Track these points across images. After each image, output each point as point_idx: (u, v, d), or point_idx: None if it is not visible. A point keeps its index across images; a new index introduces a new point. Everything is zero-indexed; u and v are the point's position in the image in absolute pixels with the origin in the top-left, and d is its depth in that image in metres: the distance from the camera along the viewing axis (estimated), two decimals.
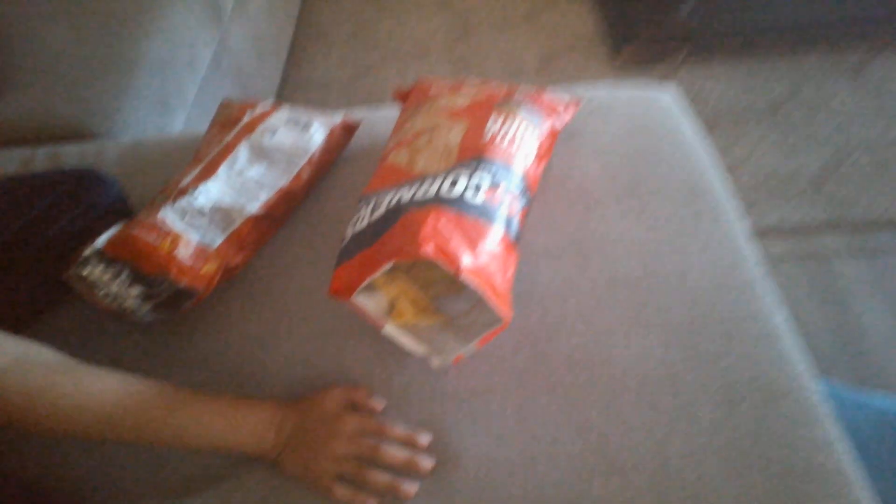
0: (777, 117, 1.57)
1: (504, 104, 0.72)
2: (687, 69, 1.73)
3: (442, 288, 0.67)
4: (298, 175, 0.74)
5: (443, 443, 0.58)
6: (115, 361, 0.66)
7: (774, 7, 1.81)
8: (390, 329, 0.61)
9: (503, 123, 0.69)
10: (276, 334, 0.68)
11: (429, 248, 0.53)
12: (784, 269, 1.27)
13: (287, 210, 0.74)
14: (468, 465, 0.57)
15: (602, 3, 1.92)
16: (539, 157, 0.71)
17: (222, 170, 0.70)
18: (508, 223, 0.60)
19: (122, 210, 0.77)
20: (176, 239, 0.62)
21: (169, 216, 0.64)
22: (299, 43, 1.96)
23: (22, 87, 1.00)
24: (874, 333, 1.17)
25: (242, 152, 0.73)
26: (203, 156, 0.74)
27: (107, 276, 0.62)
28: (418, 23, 2.00)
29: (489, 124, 0.68)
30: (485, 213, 0.58)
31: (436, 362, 0.61)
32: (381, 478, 0.55)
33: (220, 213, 0.67)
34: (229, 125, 0.77)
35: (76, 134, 0.94)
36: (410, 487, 0.55)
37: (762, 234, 1.33)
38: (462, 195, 0.59)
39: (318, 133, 0.77)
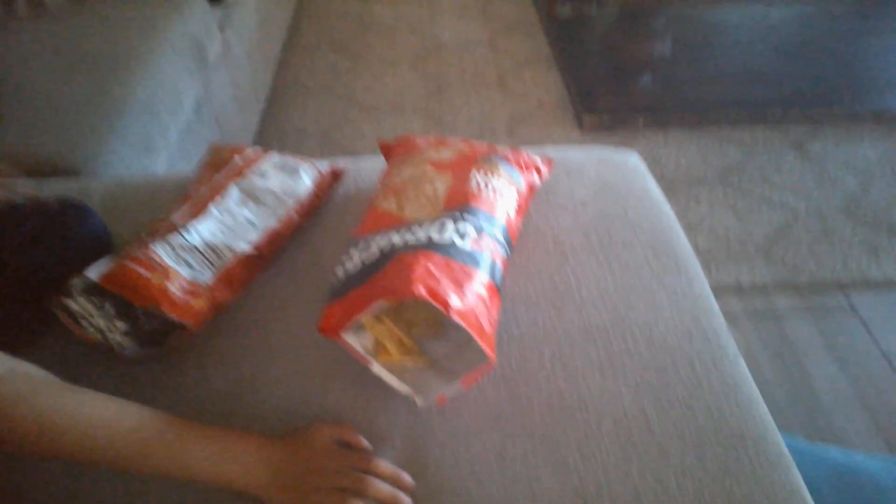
0: (728, 184, 1.68)
1: (486, 160, 0.77)
2: (645, 136, 1.84)
3: (425, 330, 0.69)
4: (287, 217, 0.76)
5: (425, 482, 0.59)
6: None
7: (723, 85, 1.96)
8: (377, 368, 0.63)
9: (486, 177, 0.73)
10: (261, 372, 0.68)
11: (420, 289, 0.56)
12: (738, 326, 1.34)
13: (275, 250, 0.76)
14: None
15: (567, 73, 2.04)
16: (518, 210, 0.75)
17: (213, 209, 0.72)
18: (492, 269, 0.63)
19: (105, 243, 0.77)
20: (167, 273, 0.63)
21: (161, 251, 0.65)
22: (277, 93, 2.01)
23: (8, 122, 1.00)
24: (825, 390, 1.23)
25: (233, 193, 0.75)
26: (193, 195, 0.76)
27: (92, 308, 0.62)
28: (393, 80, 2.08)
29: (473, 177, 0.72)
30: (471, 259, 0.62)
31: (420, 402, 0.63)
32: None
33: (210, 251, 0.68)
34: (219, 167, 0.79)
35: (60, 171, 0.95)
36: None
37: (717, 292, 1.39)
38: (450, 241, 0.62)
39: (306, 178, 0.80)
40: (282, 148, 1.72)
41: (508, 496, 0.58)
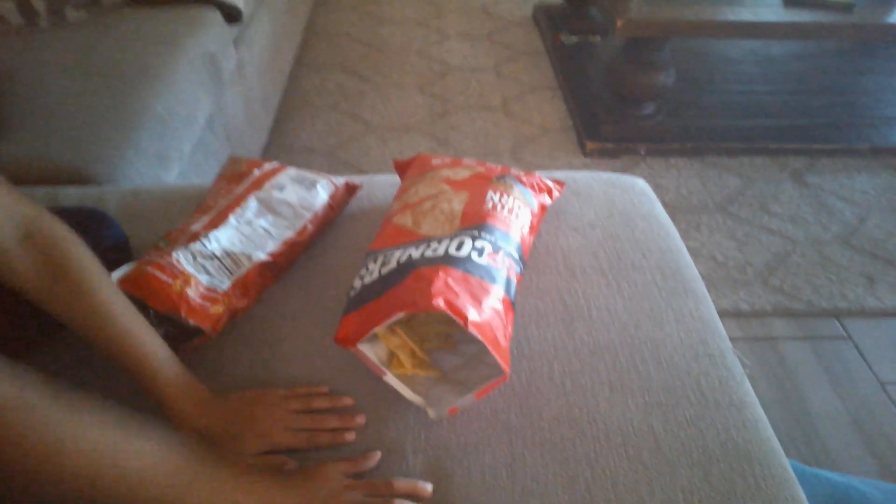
0: (728, 212, 1.71)
1: (501, 180, 0.79)
2: (647, 164, 1.88)
3: (436, 343, 0.70)
4: (304, 228, 0.78)
5: (436, 494, 0.60)
6: (108, 399, 0.67)
7: (723, 116, 2.01)
8: (390, 378, 0.64)
9: (501, 197, 0.75)
10: (273, 380, 0.69)
11: (440, 302, 0.57)
12: (737, 350, 1.35)
13: (290, 259, 0.78)
14: None
15: (571, 100, 2.08)
16: (531, 229, 0.77)
17: (232, 219, 0.74)
18: (508, 285, 0.65)
19: (123, 250, 0.79)
20: (187, 279, 0.65)
21: (181, 258, 0.67)
22: (286, 110, 2.04)
23: (26, 130, 1.02)
24: (821, 415, 1.25)
25: (252, 205, 0.77)
26: (211, 205, 0.78)
27: None
28: (399, 100, 2.12)
29: (489, 196, 0.75)
30: (488, 274, 0.63)
31: (432, 414, 0.64)
32: None
33: (229, 259, 0.70)
34: (237, 179, 0.81)
35: (76, 180, 0.96)
36: None
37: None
38: (468, 256, 0.64)
39: (323, 191, 0.82)
40: (289, 162, 1.74)
41: None
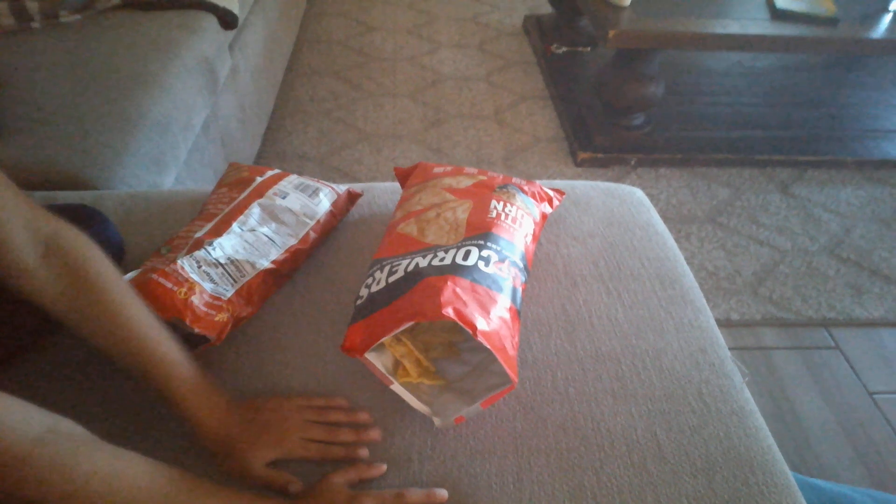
0: (718, 222, 1.74)
1: (503, 189, 0.79)
2: (637, 174, 1.90)
3: (440, 352, 0.71)
4: (306, 236, 0.78)
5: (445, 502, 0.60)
6: (106, 404, 0.66)
7: (712, 128, 2.04)
8: (397, 387, 0.64)
9: (504, 205, 0.76)
10: (276, 389, 0.69)
11: (449, 311, 0.58)
12: (735, 358, 1.37)
13: (294, 266, 0.78)
14: None
15: (562, 110, 2.10)
16: (534, 237, 0.78)
17: (236, 226, 0.73)
18: (514, 294, 0.66)
19: (118, 252, 0.78)
20: (192, 286, 0.65)
21: (186, 265, 0.66)
22: (279, 116, 2.03)
23: (21, 133, 1.01)
24: (811, 424, 1.26)
25: (255, 212, 0.76)
26: (213, 212, 0.77)
27: None
28: (392, 109, 2.12)
29: (492, 205, 0.75)
30: (495, 284, 0.64)
31: (438, 423, 0.64)
32: None
33: (233, 266, 0.70)
34: (239, 186, 0.81)
35: (73, 184, 0.95)
36: None
37: None
38: (475, 266, 0.64)
39: (325, 199, 0.82)
40: (282, 169, 1.74)
41: None
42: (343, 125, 2.03)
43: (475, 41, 2.54)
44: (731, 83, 2.26)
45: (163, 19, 1.34)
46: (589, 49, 2.41)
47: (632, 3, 1.74)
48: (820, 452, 1.22)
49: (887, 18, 1.78)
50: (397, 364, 0.67)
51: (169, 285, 0.65)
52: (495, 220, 0.72)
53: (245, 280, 0.71)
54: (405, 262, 0.66)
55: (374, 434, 0.64)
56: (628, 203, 0.95)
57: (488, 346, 0.58)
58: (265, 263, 0.73)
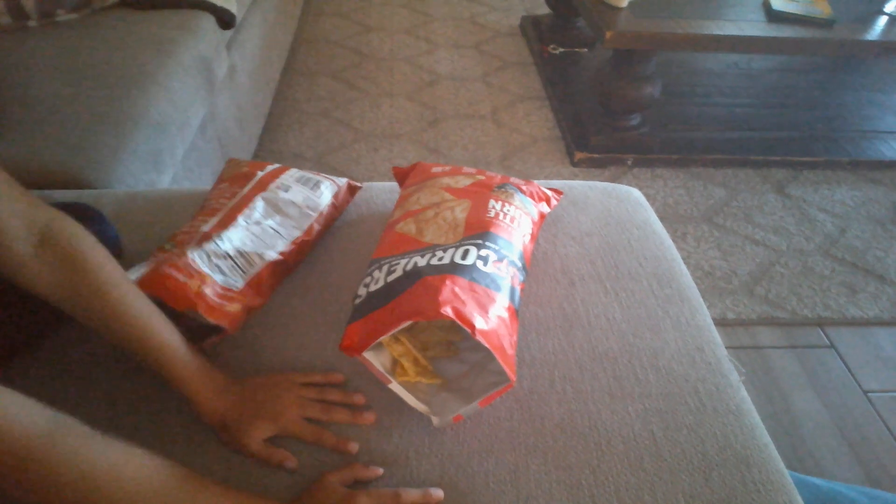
0: (713, 222, 1.74)
1: (501, 189, 0.80)
2: (633, 174, 1.90)
3: (438, 351, 0.71)
4: (311, 228, 0.79)
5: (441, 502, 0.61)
6: (107, 401, 0.66)
7: (708, 128, 2.05)
8: (395, 386, 0.64)
9: (503, 205, 0.76)
10: None
11: (448, 310, 0.58)
12: (731, 356, 1.37)
13: (299, 258, 0.79)
14: None
15: (559, 110, 2.10)
16: (532, 237, 0.78)
17: (241, 219, 0.74)
18: (512, 293, 0.66)
19: (115, 250, 0.78)
20: (203, 278, 0.65)
21: (196, 258, 0.67)
22: (275, 115, 2.03)
23: (20, 134, 1.01)
24: (807, 423, 1.27)
25: (259, 205, 0.77)
26: (215, 207, 0.77)
27: None
28: (390, 108, 2.13)
29: (490, 204, 0.75)
30: (493, 283, 0.64)
31: (436, 422, 0.64)
32: None
33: (242, 258, 0.71)
34: (241, 181, 0.81)
35: (71, 183, 0.95)
36: None
37: None
38: (474, 265, 0.64)
39: (327, 191, 0.83)
40: None
41: None
42: (340, 125, 2.03)
43: (472, 41, 2.55)
44: (727, 84, 2.27)
45: (160, 18, 1.34)
46: (586, 50, 2.42)
47: (629, 4, 1.75)
48: (815, 450, 1.23)
49: (882, 20, 1.79)
50: (395, 363, 0.67)
51: (181, 278, 0.65)
52: (494, 220, 0.72)
53: (254, 271, 0.72)
54: (404, 262, 0.66)
55: (369, 417, 0.65)
56: (626, 203, 0.96)
57: (487, 345, 0.58)
58: (273, 255, 0.74)
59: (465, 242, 0.68)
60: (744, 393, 0.71)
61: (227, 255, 0.70)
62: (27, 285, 0.56)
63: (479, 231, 0.70)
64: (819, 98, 2.24)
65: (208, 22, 1.40)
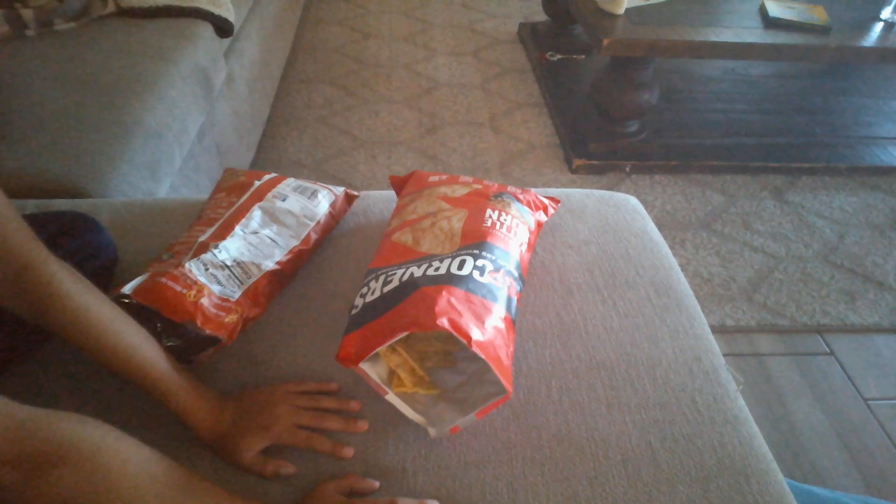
0: (712, 229, 1.74)
1: (498, 198, 0.80)
2: (632, 180, 1.90)
3: (436, 361, 0.70)
4: (308, 237, 0.79)
5: None
6: (106, 404, 0.66)
7: (706, 134, 2.05)
8: (392, 397, 0.64)
9: (499, 214, 0.76)
10: None
11: (444, 321, 0.58)
12: (729, 365, 1.37)
13: (297, 267, 0.79)
14: None
15: (557, 117, 2.11)
16: (529, 246, 0.78)
17: (238, 229, 0.74)
18: (509, 303, 0.66)
19: (112, 258, 0.78)
20: (200, 289, 0.65)
21: (193, 268, 0.67)
22: (274, 123, 2.03)
23: (17, 142, 1.01)
24: (807, 431, 1.27)
25: (256, 214, 0.77)
26: (213, 217, 0.77)
27: None
28: (388, 115, 2.13)
29: (487, 213, 0.75)
30: (490, 293, 0.64)
31: (433, 432, 0.64)
32: None
33: (239, 268, 0.71)
34: (238, 190, 0.81)
35: (68, 192, 0.95)
36: None
37: None
38: (470, 276, 0.64)
39: (324, 200, 0.83)
40: None
41: None
42: (338, 132, 2.03)
43: (471, 48, 2.55)
44: (724, 90, 2.27)
45: (158, 27, 1.35)
46: (583, 57, 2.42)
47: (626, 11, 1.75)
48: (815, 458, 1.22)
49: (878, 27, 1.80)
50: (392, 374, 0.67)
51: (178, 288, 0.65)
52: (490, 229, 0.72)
53: (251, 281, 0.72)
54: (400, 272, 0.66)
55: (362, 424, 0.66)
56: (623, 211, 0.96)
57: (483, 357, 0.58)
58: (270, 265, 0.74)
59: (462, 252, 0.68)
60: (741, 403, 0.71)
61: (225, 266, 0.70)
62: (4, 306, 0.56)
63: (475, 241, 0.70)
64: (817, 104, 2.24)
65: (206, 30, 1.40)
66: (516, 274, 0.70)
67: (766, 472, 0.64)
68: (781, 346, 1.43)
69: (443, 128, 2.09)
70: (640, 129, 1.97)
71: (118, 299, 0.63)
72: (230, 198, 0.79)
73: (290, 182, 0.83)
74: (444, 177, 0.85)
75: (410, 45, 2.55)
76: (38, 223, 0.73)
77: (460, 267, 0.65)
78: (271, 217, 0.77)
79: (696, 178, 1.92)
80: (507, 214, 0.76)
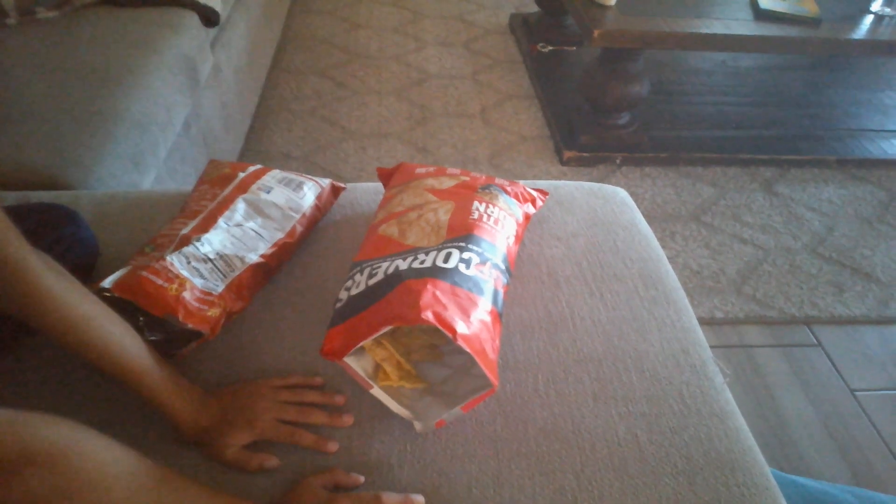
0: (702, 221, 1.74)
1: (485, 190, 0.79)
2: (622, 173, 1.90)
3: (422, 355, 0.70)
4: (293, 230, 0.78)
5: None
6: (89, 398, 0.65)
7: (697, 127, 2.05)
8: (377, 391, 0.63)
9: (487, 207, 0.75)
10: None
11: (429, 315, 0.57)
12: (717, 358, 1.37)
13: (281, 260, 0.78)
14: None
15: (548, 109, 2.10)
16: (516, 239, 0.77)
17: (222, 222, 0.73)
18: (495, 297, 0.65)
19: (93, 251, 0.77)
20: (182, 282, 0.64)
21: (175, 261, 0.66)
22: (262, 114, 2.01)
23: None
24: (794, 422, 1.27)
25: (240, 207, 0.76)
26: (196, 209, 0.76)
27: None
28: (378, 107, 2.11)
29: (474, 206, 0.74)
30: (476, 286, 0.63)
31: (419, 426, 0.64)
32: None
33: (222, 261, 0.70)
34: (222, 182, 0.80)
35: (50, 184, 0.93)
36: None
37: None
38: (456, 268, 0.63)
39: (310, 193, 0.82)
40: None
41: None
42: (328, 124, 2.02)
43: (461, 39, 2.54)
44: (715, 83, 2.27)
45: (142, 16, 1.33)
46: (574, 48, 2.41)
47: (617, 2, 1.74)
48: (802, 449, 1.23)
49: (868, 19, 1.80)
50: (378, 368, 0.66)
51: (159, 282, 0.64)
52: (477, 222, 0.72)
53: (235, 275, 0.71)
54: (385, 265, 0.65)
55: (347, 419, 0.65)
56: (612, 203, 0.95)
57: (468, 350, 0.57)
58: (254, 258, 0.73)
59: (448, 245, 0.67)
60: (728, 395, 0.71)
61: (207, 259, 0.69)
62: None
63: (461, 233, 0.69)
64: (807, 96, 2.25)
65: (191, 20, 1.38)
66: (503, 267, 0.70)
67: (752, 464, 0.64)
68: (770, 338, 1.44)
69: (433, 119, 2.07)
70: (631, 122, 1.96)
71: (99, 293, 0.62)
72: (214, 190, 0.78)
73: (276, 174, 0.82)
74: (431, 169, 0.84)
75: (400, 36, 2.53)
76: (18, 215, 0.72)
77: (446, 260, 0.64)
78: (256, 209, 0.76)
79: (687, 170, 1.92)
80: (494, 207, 0.76)
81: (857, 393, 1.33)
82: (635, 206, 0.96)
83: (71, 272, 0.60)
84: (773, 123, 2.08)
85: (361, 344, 0.60)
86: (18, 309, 0.55)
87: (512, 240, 0.75)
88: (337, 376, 0.69)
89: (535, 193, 0.85)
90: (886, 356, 1.41)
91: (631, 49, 1.77)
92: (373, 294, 0.62)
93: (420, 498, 0.59)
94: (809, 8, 1.76)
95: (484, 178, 0.82)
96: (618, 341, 0.74)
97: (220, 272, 0.69)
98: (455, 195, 0.77)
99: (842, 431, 1.26)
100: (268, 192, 0.78)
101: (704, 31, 1.69)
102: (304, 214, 0.80)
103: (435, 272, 0.62)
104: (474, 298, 0.62)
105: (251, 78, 1.86)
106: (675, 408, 0.68)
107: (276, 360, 0.71)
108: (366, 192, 0.95)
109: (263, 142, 1.91)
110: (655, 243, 0.89)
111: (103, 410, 0.65)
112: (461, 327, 0.58)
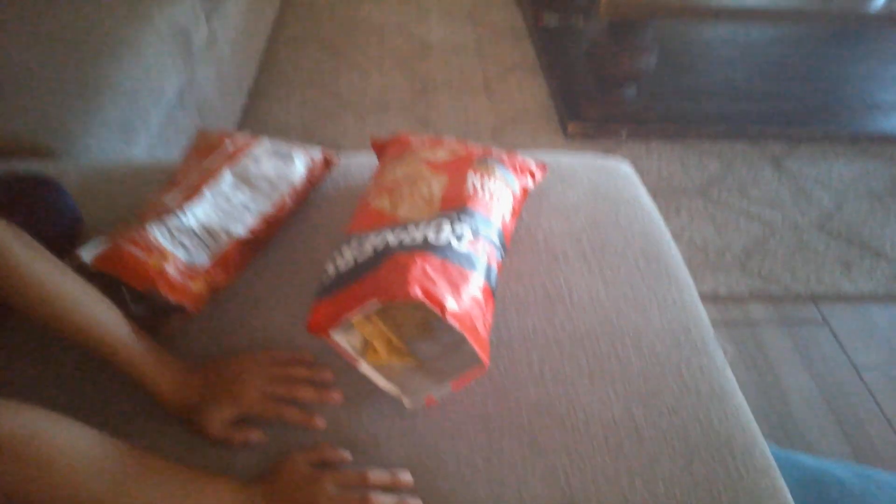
0: (708, 196, 1.71)
1: (482, 162, 0.76)
2: (628, 146, 1.86)
3: (413, 331, 0.68)
4: (282, 202, 0.75)
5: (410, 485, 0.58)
6: (65, 379, 0.64)
7: (704, 100, 2.00)
8: (365, 367, 0.62)
9: (482, 179, 0.72)
10: None
11: (416, 290, 0.55)
12: (715, 334, 1.35)
13: (270, 234, 0.75)
14: None
15: (552, 81, 2.05)
16: (513, 213, 0.75)
17: (207, 192, 0.71)
18: (488, 272, 0.63)
19: (74, 223, 0.75)
20: (165, 255, 0.62)
21: (157, 233, 0.64)
22: (261, 85, 1.98)
23: None
24: (796, 399, 1.26)
25: (226, 177, 0.74)
26: (182, 180, 0.74)
27: None
28: (379, 78, 2.07)
29: (469, 178, 0.72)
30: (468, 261, 0.61)
31: (408, 403, 0.62)
32: None
33: (207, 234, 0.68)
34: (207, 153, 0.78)
35: (36, 153, 0.91)
36: None
37: None
38: (447, 242, 0.61)
39: (300, 164, 0.79)
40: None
41: (495, 498, 0.58)
42: (328, 95, 1.98)
43: (465, 10, 2.47)
44: (724, 55, 2.21)
45: None
46: (581, 19, 2.35)
47: None
48: (804, 426, 1.21)
49: None
50: (367, 343, 0.65)
51: (140, 254, 0.62)
52: (472, 195, 0.69)
53: (220, 248, 0.69)
54: (375, 238, 0.63)
55: (336, 395, 0.63)
56: (615, 177, 0.92)
57: (458, 328, 0.55)
58: (240, 230, 0.71)
59: (440, 218, 0.65)
60: (729, 374, 0.69)
61: (192, 231, 0.67)
62: None
63: (455, 207, 0.67)
64: (817, 70, 2.18)
65: None
66: (498, 242, 0.67)
67: (751, 445, 0.62)
68: (774, 315, 1.41)
69: (435, 91, 2.03)
70: (638, 95, 1.92)
71: (76, 265, 0.60)
72: (201, 160, 0.76)
73: (265, 144, 0.79)
74: (426, 140, 0.82)
75: (403, 5, 2.47)
76: None
77: (437, 234, 0.62)
78: (243, 180, 0.74)
79: (694, 144, 1.88)
80: (490, 179, 0.73)
81: (861, 370, 1.31)
82: (639, 181, 0.93)
83: (50, 244, 0.58)
84: (783, 98, 2.03)
85: (349, 319, 0.59)
86: None
87: (508, 214, 0.73)
88: (325, 352, 0.67)
89: (534, 167, 0.82)
90: (893, 334, 1.39)
91: (639, 20, 1.71)
92: (361, 268, 0.60)
93: (407, 474, 0.57)
94: None
95: (481, 150, 0.79)
96: (616, 318, 0.72)
97: (205, 245, 0.67)
98: (450, 168, 0.74)
99: (844, 408, 1.24)
100: (256, 163, 0.76)
101: (714, 2, 1.64)
102: (293, 187, 0.77)
103: (425, 246, 0.60)
104: (466, 274, 0.60)
105: (249, 48, 1.82)
106: (674, 387, 0.66)
107: (262, 335, 0.69)
108: (360, 164, 0.92)
109: (262, 113, 1.88)
110: (659, 218, 0.86)
111: (81, 389, 0.64)
112: (451, 304, 0.56)
